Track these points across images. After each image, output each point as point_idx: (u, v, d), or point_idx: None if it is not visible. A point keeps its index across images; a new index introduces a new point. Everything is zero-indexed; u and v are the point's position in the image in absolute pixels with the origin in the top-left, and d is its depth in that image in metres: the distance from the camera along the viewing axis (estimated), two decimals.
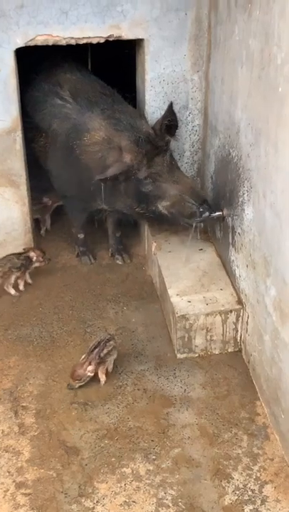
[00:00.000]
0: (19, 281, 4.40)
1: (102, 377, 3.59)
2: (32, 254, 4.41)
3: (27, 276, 4.43)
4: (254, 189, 3.42)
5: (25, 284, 4.44)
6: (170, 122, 4.07)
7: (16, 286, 4.40)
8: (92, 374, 3.55)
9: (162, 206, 4.01)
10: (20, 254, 4.40)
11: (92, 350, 3.56)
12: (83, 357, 3.58)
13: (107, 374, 3.62)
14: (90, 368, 3.53)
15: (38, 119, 4.41)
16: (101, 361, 3.57)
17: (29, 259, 4.39)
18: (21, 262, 4.35)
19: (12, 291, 4.37)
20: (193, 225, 4.00)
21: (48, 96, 4.34)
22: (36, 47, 4.03)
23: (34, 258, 4.40)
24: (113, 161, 3.97)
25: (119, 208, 4.29)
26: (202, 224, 4.17)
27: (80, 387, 3.56)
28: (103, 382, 3.59)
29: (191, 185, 4.08)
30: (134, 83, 4.57)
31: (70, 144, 4.21)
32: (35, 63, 4.51)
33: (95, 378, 3.60)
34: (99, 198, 4.27)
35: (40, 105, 4.38)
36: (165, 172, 3.98)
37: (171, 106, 4.10)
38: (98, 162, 4.06)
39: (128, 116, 4.08)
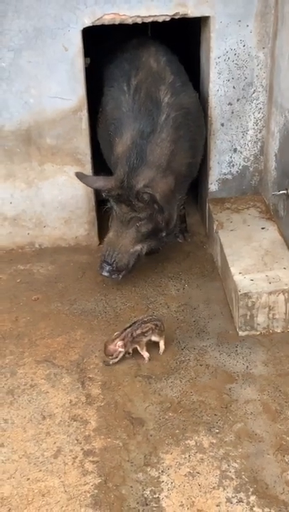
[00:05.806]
0: None
1: (145, 354, 3.66)
2: None
3: None
4: None
5: None
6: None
7: None
8: (124, 350, 3.60)
9: None
10: None
11: (126, 329, 3.63)
12: (116, 333, 3.65)
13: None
14: (120, 343, 3.58)
15: (106, 91, 4.38)
16: (133, 340, 3.62)
17: None
18: None
19: None
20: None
21: (122, 76, 4.21)
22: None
23: None
24: (112, 175, 4.01)
25: None
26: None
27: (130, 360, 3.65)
28: (147, 358, 3.65)
29: (116, 244, 4.03)
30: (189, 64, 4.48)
31: (108, 134, 4.22)
32: (122, 40, 4.42)
33: (155, 352, 3.69)
34: None
35: (113, 81, 4.32)
36: (118, 219, 4.03)
37: None
38: (114, 165, 4.09)
39: (145, 156, 3.88)
